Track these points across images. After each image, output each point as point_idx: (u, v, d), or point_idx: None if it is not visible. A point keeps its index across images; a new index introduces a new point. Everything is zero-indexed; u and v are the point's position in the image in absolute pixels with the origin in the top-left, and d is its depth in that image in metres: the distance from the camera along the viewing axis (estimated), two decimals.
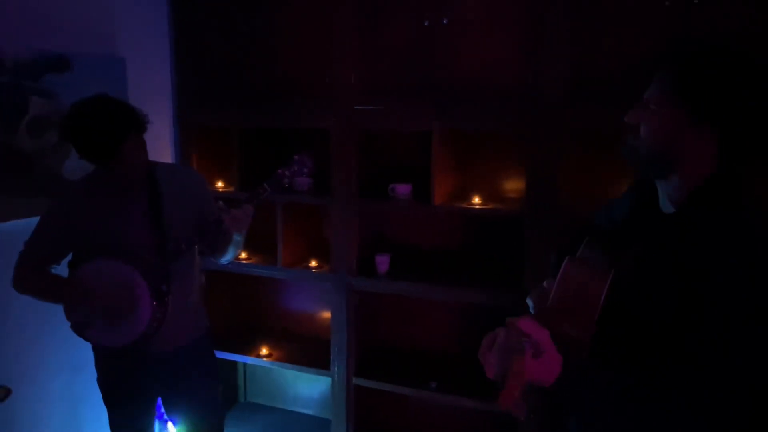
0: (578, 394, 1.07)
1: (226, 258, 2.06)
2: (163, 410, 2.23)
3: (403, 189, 2.60)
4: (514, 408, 1.00)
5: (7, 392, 1.81)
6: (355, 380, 2.76)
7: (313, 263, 2.85)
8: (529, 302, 1.35)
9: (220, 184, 2.98)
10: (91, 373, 2.06)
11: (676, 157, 1.11)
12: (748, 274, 1.01)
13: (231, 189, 2.90)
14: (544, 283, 1.30)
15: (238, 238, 1.94)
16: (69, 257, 1.94)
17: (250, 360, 2.96)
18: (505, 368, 1.05)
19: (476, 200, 2.53)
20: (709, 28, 2.08)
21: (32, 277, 1.89)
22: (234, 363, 3.20)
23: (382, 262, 2.69)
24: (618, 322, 1.13)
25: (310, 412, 3.22)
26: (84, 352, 2.06)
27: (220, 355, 2.82)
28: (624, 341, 1.13)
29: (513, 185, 2.63)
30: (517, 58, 2.45)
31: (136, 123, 1.78)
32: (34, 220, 1.92)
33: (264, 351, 2.93)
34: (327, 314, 2.92)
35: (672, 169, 1.13)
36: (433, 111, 2.47)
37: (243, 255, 2.94)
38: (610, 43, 2.33)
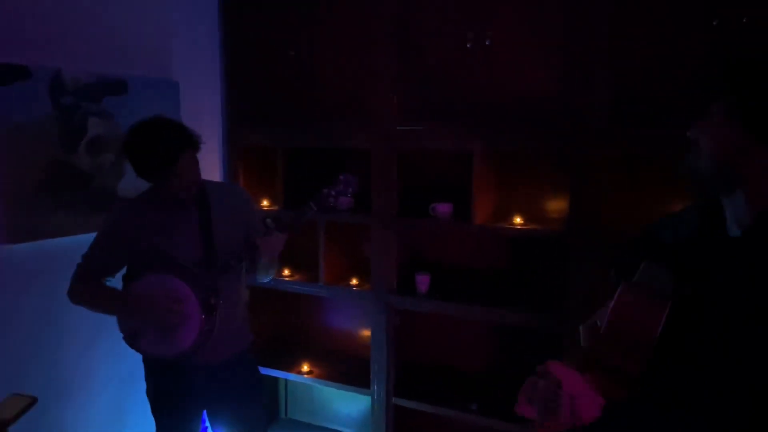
0: None
1: (264, 278, 2.12)
2: (207, 423, 2.28)
3: (443, 208, 2.62)
4: None
5: (33, 401, 1.86)
6: (394, 400, 2.76)
7: (354, 281, 2.88)
8: (582, 334, 1.30)
9: (265, 202, 3.05)
10: (138, 385, 2.13)
11: (739, 173, 1.06)
12: None
13: (276, 207, 2.97)
14: (597, 321, 1.23)
15: (265, 262, 2.02)
16: (123, 270, 2.03)
17: (291, 376, 3.00)
18: (541, 420, 1.04)
19: (518, 220, 2.53)
20: (760, 47, 2.06)
21: (87, 288, 1.97)
22: (276, 379, 3.24)
23: (422, 281, 2.71)
24: (674, 358, 1.06)
25: (349, 430, 3.23)
26: (133, 365, 2.14)
27: (263, 370, 2.86)
28: (680, 380, 1.06)
29: (555, 206, 2.62)
30: (559, 78, 2.45)
31: (191, 142, 1.86)
32: (91, 236, 2.01)
33: (305, 368, 2.96)
34: (367, 332, 2.94)
35: (736, 186, 1.07)
36: (475, 132, 2.49)
37: (286, 272, 3.00)
38: (653, 64, 2.32)
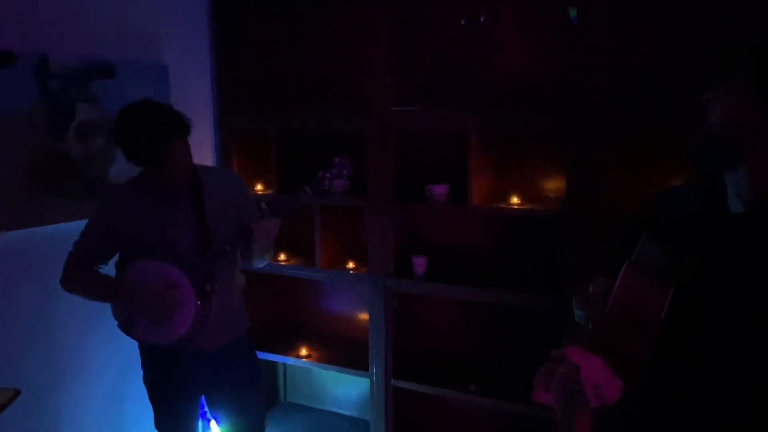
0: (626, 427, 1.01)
1: (259, 264, 2.09)
2: (206, 408, 2.27)
3: (440, 190, 2.59)
4: None
5: (16, 393, 1.84)
6: (393, 382, 2.76)
7: (351, 265, 2.87)
8: (576, 310, 1.29)
9: (259, 186, 3.02)
10: (135, 372, 2.12)
11: (745, 145, 1.03)
12: None
13: (270, 191, 2.94)
14: (590, 288, 1.22)
15: (261, 248, 1.99)
16: (116, 257, 2.00)
17: (289, 360, 2.99)
18: (566, 411, 1.01)
19: (515, 200, 2.51)
20: (761, 23, 2.02)
21: (80, 276, 1.95)
22: (274, 363, 3.24)
23: (419, 263, 2.69)
24: (678, 339, 1.05)
25: (349, 413, 3.24)
26: (129, 352, 2.12)
27: (261, 355, 2.85)
28: (684, 365, 1.04)
29: (552, 185, 2.60)
30: (556, 58, 2.42)
31: (181, 126, 1.82)
32: (82, 223, 1.98)
33: (303, 352, 2.95)
34: (364, 315, 2.93)
35: (741, 159, 1.05)
36: (470, 112, 2.46)
37: (282, 257, 2.98)
38: (653, 41, 2.28)
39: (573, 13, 2.15)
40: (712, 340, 1.01)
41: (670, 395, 1.04)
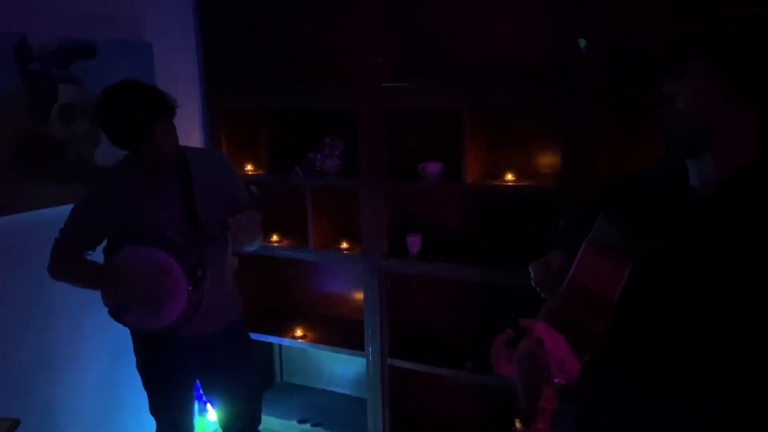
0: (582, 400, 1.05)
1: (248, 249, 2.06)
2: (201, 392, 2.26)
3: (433, 168, 2.55)
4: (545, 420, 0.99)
5: (16, 424, 1.79)
6: (389, 361, 2.76)
7: (344, 245, 2.84)
8: (532, 272, 1.33)
9: (249, 167, 2.97)
10: (130, 359, 2.09)
11: (710, 135, 1.04)
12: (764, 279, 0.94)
13: (261, 172, 2.89)
14: (550, 257, 1.26)
15: (244, 242, 1.93)
16: (104, 243, 1.96)
17: (285, 342, 2.98)
18: (527, 384, 1.03)
19: (509, 177, 2.48)
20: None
21: (68, 263, 1.91)
22: (270, 344, 3.23)
23: (414, 242, 2.66)
24: (634, 317, 1.07)
25: (346, 391, 3.24)
26: (123, 338, 2.10)
27: (256, 337, 2.84)
28: (639, 339, 1.08)
29: (547, 161, 2.56)
30: (549, 33, 2.36)
31: (166, 108, 1.77)
32: (68, 208, 1.94)
33: (298, 332, 2.94)
34: (359, 295, 2.91)
35: (705, 149, 1.05)
36: (463, 89, 2.41)
37: (274, 238, 2.94)
38: (646, 14, 2.23)
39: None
40: (672, 317, 1.04)
41: (626, 370, 1.08)
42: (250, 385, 2.18)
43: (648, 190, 1.20)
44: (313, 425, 2.99)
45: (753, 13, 1.02)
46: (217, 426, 2.26)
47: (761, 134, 1.02)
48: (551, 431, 0.99)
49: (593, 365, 1.04)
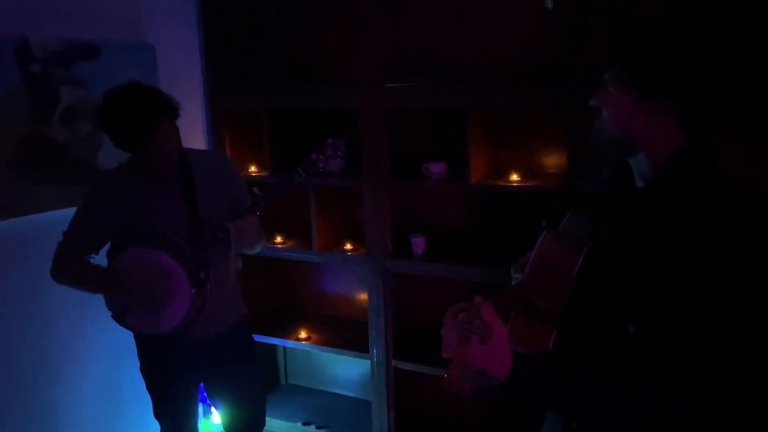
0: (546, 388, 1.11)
1: (250, 252, 2.05)
2: (205, 395, 2.24)
3: (437, 168, 2.53)
4: (455, 389, 1.08)
5: None
6: (394, 363, 2.74)
7: (348, 246, 2.82)
8: (514, 275, 1.41)
9: (253, 168, 2.96)
10: (133, 361, 2.08)
11: (637, 136, 1.14)
12: (702, 256, 1.02)
13: (264, 173, 2.88)
14: (527, 258, 1.33)
15: (244, 247, 1.93)
16: (107, 246, 1.95)
17: (289, 343, 2.97)
18: (449, 335, 1.14)
19: (514, 177, 2.45)
20: None
21: (71, 267, 1.90)
22: (274, 346, 3.21)
23: (418, 243, 2.65)
24: (593, 300, 1.15)
25: (350, 393, 3.22)
26: (126, 341, 2.08)
27: (260, 338, 2.83)
28: (597, 326, 1.14)
29: (552, 161, 2.54)
30: (553, 30, 2.34)
31: (169, 110, 1.76)
32: (71, 210, 1.93)
33: (303, 334, 2.93)
34: (363, 296, 2.89)
35: (636, 149, 1.16)
36: (466, 87, 2.39)
37: (278, 239, 2.93)
38: (648, 11, 2.21)
39: (549, 4, 2.11)
40: (620, 301, 1.12)
41: (578, 351, 1.17)
42: (254, 388, 2.16)
43: (603, 184, 1.31)
44: (318, 427, 2.97)
45: (650, 18, 1.12)
46: (221, 429, 2.24)
47: (682, 123, 1.11)
48: (466, 383, 1.08)
49: (583, 364, 1.10)
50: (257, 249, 2.05)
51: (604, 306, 1.14)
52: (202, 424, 2.63)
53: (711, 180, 1.09)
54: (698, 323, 1.01)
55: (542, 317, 1.16)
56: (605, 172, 1.32)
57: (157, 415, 2.09)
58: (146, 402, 2.10)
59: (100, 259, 1.95)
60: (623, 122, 1.14)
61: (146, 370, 2.06)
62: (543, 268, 1.19)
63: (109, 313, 1.92)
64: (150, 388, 2.07)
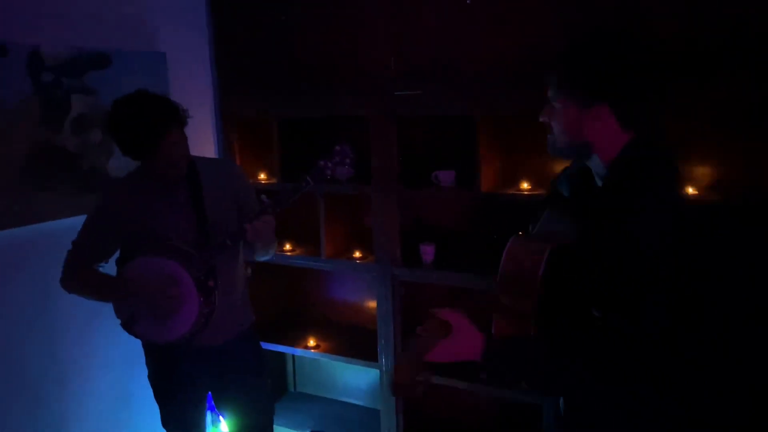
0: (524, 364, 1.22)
1: (262, 258, 2.04)
2: (213, 403, 2.24)
3: (446, 176, 2.52)
4: (403, 393, 1.22)
5: None
6: None
7: (357, 254, 2.81)
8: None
9: (262, 176, 2.96)
10: (141, 369, 2.08)
11: (586, 142, 1.24)
12: (646, 244, 1.10)
13: (274, 181, 2.88)
14: None
15: (260, 248, 1.94)
16: (117, 255, 1.95)
17: (298, 351, 2.95)
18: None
19: (525, 185, 2.43)
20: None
21: (80, 275, 1.91)
22: (282, 354, 3.20)
23: (427, 251, 2.63)
24: (560, 294, 1.24)
25: (359, 402, 3.21)
26: (135, 349, 2.08)
27: (269, 346, 2.82)
28: (569, 319, 1.22)
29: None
30: (563, 38, 2.32)
31: (176, 118, 1.76)
32: (80, 219, 1.94)
33: (311, 342, 2.91)
34: (372, 304, 2.88)
35: (589, 153, 1.26)
36: (476, 95, 2.37)
37: (287, 247, 2.92)
38: (660, 20, 2.19)
39: None
40: (588, 292, 1.19)
41: (553, 341, 1.24)
42: (262, 396, 2.15)
43: (572, 184, 1.42)
44: None
45: (581, 33, 1.25)
46: None
47: (623, 125, 1.21)
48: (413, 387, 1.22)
49: (581, 364, 1.15)
50: (270, 254, 2.04)
51: (571, 297, 1.23)
52: None
53: (656, 171, 1.18)
54: (640, 307, 1.11)
55: (517, 315, 1.27)
56: (568, 174, 1.44)
57: (165, 423, 2.09)
58: (155, 411, 2.10)
59: (110, 267, 1.95)
60: (571, 132, 1.25)
61: (154, 379, 2.05)
62: (511, 271, 1.28)
63: (118, 321, 1.92)
64: (157, 397, 2.07)
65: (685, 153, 2.20)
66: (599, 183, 1.30)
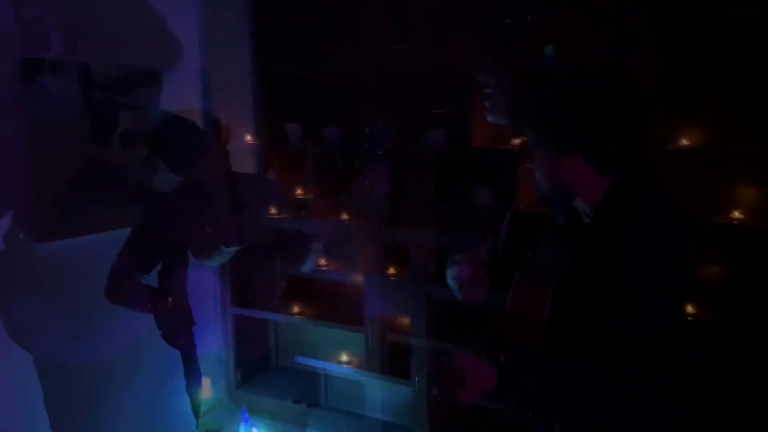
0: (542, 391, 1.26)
1: (305, 268, 2.07)
2: (247, 415, 2.26)
3: (482, 193, 2.51)
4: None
5: None
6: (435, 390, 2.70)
7: (392, 270, 2.81)
8: (451, 281, 1.60)
9: (299, 191, 2.99)
10: (179, 380, 2.11)
11: (567, 187, 1.29)
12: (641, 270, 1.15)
13: (310, 196, 2.91)
14: (456, 257, 1.56)
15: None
16: (158, 267, 2.00)
17: (328, 366, 2.96)
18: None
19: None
20: None
21: (123, 288, 1.95)
22: (316, 373, 3.20)
23: (463, 270, 2.61)
24: (568, 325, 1.27)
25: (389, 419, 3.18)
26: (173, 360, 2.11)
27: (303, 361, 2.84)
28: (574, 347, 1.27)
29: None
30: (604, 45, 2.31)
31: (218, 135, 1.81)
32: (126, 231, 1.99)
33: (344, 357, 2.92)
34: (406, 321, 2.87)
35: (573, 196, 1.31)
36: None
37: (322, 261, 2.94)
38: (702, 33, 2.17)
39: (549, 50, 2.20)
40: (588, 324, 1.23)
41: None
42: None
43: (558, 213, 1.43)
44: None
45: (549, 85, 1.30)
46: None
47: (601, 170, 1.25)
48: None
49: (583, 369, 1.21)
50: (311, 264, 2.06)
51: (577, 325, 1.27)
52: None
53: (641, 209, 1.21)
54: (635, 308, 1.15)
55: (525, 348, 1.32)
56: (559, 211, 1.44)
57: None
58: (190, 421, 2.13)
59: (152, 279, 2.00)
60: (552, 178, 1.29)
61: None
62: (520, 305, 1.33)
63: (159, 333, 1.96)
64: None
65: (732, 175, 2.17)
66: (587, 221, 1.34)
